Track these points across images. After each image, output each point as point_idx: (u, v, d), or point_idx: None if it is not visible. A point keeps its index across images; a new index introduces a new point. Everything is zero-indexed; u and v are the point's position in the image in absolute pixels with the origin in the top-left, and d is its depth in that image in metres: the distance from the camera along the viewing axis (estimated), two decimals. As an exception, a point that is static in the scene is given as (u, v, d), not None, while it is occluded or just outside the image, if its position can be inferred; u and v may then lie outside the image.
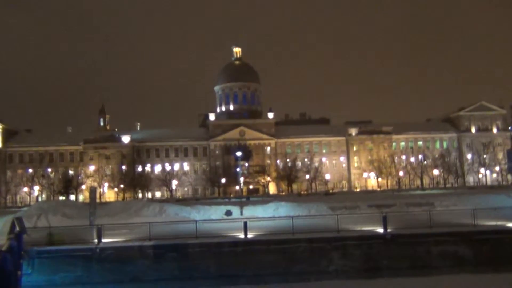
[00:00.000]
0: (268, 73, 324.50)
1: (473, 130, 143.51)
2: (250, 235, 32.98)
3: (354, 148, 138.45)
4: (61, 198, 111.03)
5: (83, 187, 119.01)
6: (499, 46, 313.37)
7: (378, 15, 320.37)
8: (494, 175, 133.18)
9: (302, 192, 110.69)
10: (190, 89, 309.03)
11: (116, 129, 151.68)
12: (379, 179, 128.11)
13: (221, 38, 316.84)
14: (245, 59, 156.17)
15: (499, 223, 34.89)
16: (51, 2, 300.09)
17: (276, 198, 73.42)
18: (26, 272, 28.87)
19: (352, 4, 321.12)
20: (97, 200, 62.93)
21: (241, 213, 48.10)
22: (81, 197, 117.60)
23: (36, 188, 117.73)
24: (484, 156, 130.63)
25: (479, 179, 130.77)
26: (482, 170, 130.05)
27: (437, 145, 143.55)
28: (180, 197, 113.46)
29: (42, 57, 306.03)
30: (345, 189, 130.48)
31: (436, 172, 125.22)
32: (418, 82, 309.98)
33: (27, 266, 29.21)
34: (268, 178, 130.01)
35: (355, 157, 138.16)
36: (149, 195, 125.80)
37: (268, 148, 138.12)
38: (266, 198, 79.87)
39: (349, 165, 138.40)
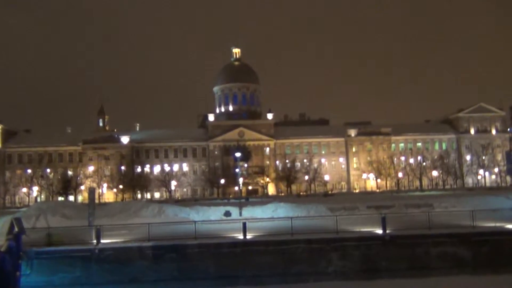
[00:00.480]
0: (268, 74, 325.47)
1: (472, 131, 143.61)
2: (249, 236, 32.99)
3: (353, 149, 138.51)
4: (60, 198, 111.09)
5: (82, 187, 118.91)
6: (499, 46, 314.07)
7: (378, 15, 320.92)
8: (493, 176, 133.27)
9: (301, 193, 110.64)
10: (190, 89, 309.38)
11: (115, 130, 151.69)
12: (378, 180, 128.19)
13: (220, 38, 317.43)
14: (244, 60, 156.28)
15: (498, 224, 34.89)
16: (51, 2, 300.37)
17: (275, 199, 73.42)
18: (25, 272, 28.81)
19: (352, 4, 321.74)
20: (96, 201, 62.98)
21: (240, 214, 48.09)
22: (80, 198, 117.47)
23: (35, 188, 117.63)
24: (483, 157, 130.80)
25: (478, 180, 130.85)
26: (481, 171, 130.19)
27: (436, 146, 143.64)
28: (179, 198, 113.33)
29: (41, 57, 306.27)
30: (344, 190, 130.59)
31: (435, 173, 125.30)
32: (417, 83, 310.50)
33: (26, 266, 29.14)
34: (267, 179, 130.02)
35: (354, 158, 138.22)
36: (148, 195, 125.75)
37: (267, 149, 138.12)
38: (265, 199, 79.83)
39: (348, 166, 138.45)
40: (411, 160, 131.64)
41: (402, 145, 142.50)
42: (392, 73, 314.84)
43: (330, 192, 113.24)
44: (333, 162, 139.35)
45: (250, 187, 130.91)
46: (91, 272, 30.55)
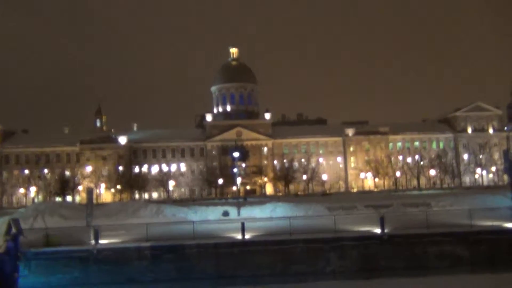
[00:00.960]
0: (265, 74, 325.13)
1: (469, 130, 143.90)
2: (247, 236, 32.98)
3: (351, 149, 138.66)
4: (58, 199, 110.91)
5: (80, 188, 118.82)
6: (496, 46, 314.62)
7: (377, 15, 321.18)
8: (490, 175, 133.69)
9: (299, 193, 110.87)
10: (187, 89, 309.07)
11: (112, 130, 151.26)
12: (376, 180, 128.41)
13: (219, 38, 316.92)
14: (242, 60, 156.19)
15: (496, 223, 35.00)
16: (51, 2, 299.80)
17: (273, 198, 73.54)
18: (23, 274, 28.79)
19: (352, 4, 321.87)
20: (94, 201, 62.84)
21: (239, 214, 48.10)
22: (77, 198, 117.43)
23: (33, 189, 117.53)
24: (480, 156, 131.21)
25: (475, 179, 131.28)
26: (478, 170, 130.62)
27: (434, 145, 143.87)
28: (177, 198, 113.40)
29: (39, 57, 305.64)
30: (342, 190, 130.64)
31: (432, 172, 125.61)
32: (414, 82, 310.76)
33: (24, 267, 29.11)
34: (265, 179, 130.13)
35: (352, 158, 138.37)
36: (146, 196, 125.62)
37: (265, 149, 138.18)
38: (263, 198, 79.88)
39: (346, 166, 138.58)
40: (409, 159, 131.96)
41: (399, 144, 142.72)
42: (389, 73, 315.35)
43: (328, 191, 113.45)
44: (331, 162, 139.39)
45: (248, 187, 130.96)
46: (89, 272, 30.52)
